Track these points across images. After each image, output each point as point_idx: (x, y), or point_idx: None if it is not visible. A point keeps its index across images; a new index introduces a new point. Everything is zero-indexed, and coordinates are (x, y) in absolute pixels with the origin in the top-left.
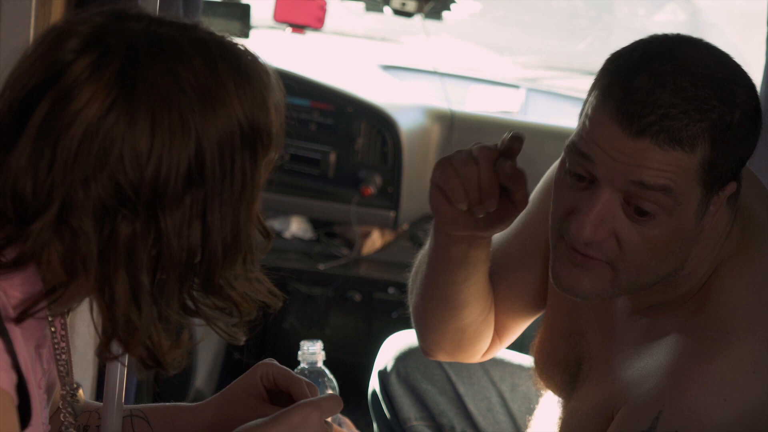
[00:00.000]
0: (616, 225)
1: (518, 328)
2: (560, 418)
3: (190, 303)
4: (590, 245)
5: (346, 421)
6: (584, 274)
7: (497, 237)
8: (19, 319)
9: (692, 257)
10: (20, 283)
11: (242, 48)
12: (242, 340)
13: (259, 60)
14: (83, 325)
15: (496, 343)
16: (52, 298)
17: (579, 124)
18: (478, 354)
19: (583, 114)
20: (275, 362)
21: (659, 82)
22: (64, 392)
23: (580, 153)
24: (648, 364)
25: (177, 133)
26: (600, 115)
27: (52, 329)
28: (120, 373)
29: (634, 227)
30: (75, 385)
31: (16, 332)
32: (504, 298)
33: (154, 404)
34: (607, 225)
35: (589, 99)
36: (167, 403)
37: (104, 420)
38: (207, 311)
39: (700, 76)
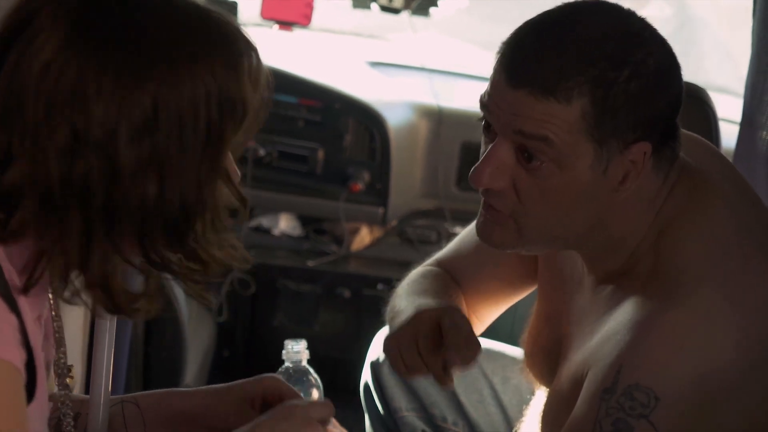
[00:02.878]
0: (513, 174)
1: (496, 311)
2: (544, 404)
3: (154, 256)
4: (492, 195)
5: (333, 421)
6: (493, 227)
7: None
8: (26, 288)
9: (617, 218)
10: (19, 253)
11: (221, 14)
12: (211, 300)
13: (238, 28)
14: (72, 321)
15: (476, 325)
16: (45, 260)
17: None
18: None
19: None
20: (282, 379)
21: (544, 41)
22: (60, 372)
23: (481, 102)
24: (610, 327)
25: (134, 80)
26: (495, 72)
27: (50, 302)
28: (108, 356)
29: (529, 178)
30: (69, 365)
31: (25, 307)
32: (485, 284)
33: (145, 391)
34: (504, 173)
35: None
36: (159, 390)
37: (91, 407)
38: (175, 267)
39: (587, 36)
